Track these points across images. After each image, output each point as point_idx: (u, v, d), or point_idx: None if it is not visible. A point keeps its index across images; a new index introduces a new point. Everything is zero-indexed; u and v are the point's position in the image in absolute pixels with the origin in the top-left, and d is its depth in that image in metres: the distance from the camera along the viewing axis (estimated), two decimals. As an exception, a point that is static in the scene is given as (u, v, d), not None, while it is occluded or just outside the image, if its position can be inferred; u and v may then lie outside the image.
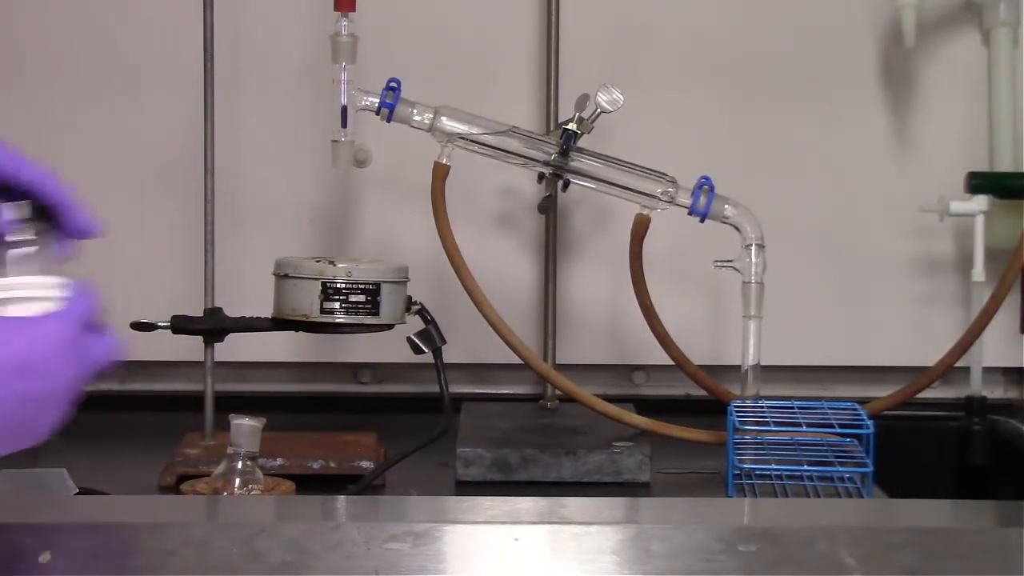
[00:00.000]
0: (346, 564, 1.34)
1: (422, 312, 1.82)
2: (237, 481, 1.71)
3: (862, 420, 1.76)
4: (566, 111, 1.92)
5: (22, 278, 1.21)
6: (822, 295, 2.23)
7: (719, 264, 1.88)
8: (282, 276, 1.79)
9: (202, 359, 1.93)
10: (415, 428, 1.82)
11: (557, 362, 2.12)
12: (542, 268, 2.16)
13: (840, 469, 1.76)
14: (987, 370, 2.17)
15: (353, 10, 1.85)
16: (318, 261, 1.78)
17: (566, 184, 1.89)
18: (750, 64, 2.21)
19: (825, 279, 2.23)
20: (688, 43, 2.20)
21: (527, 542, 1.37)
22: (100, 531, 1.36)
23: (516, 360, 1.92)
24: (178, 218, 2.17)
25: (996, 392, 2.25)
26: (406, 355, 1.82)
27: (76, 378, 1.18)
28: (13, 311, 1.19)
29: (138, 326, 1.87)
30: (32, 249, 1.23)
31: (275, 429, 1.77)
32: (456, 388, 1.88)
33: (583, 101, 1.86)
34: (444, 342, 1.82)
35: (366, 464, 1.86)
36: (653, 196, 1.87)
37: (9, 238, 1.22)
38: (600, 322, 2.21)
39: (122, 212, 2.20)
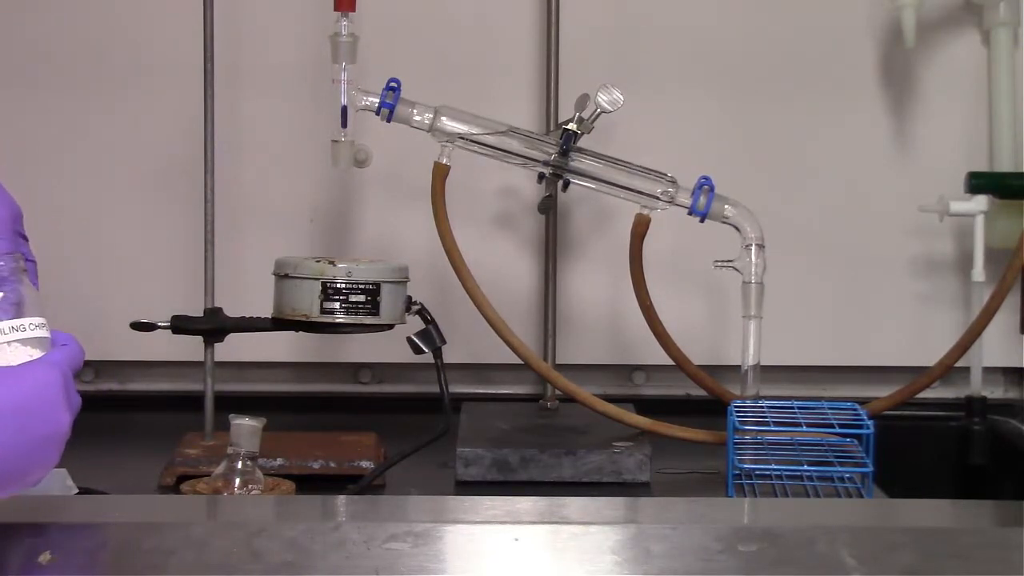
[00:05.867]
0: (346, 564, 1.34)
1: (422, 312, 1.82)
2: (237, 481, 1.71)
3: (862, 420, 1.76)
4: (566, 111, 1.92)
5: (13, 321, 1.21)
6: (822, 295, 2.23)
7: (719, 264, 1.89)
8: (282, 276, 1.79)
9: (202, 359, 1.93)
10: (415, 428, 1.82)
11: (557, 362, 2.12)
12: (542, 268, 2.16)
13: (840, 469, 1.76)
14: (987, 370, 2.17)
15: (353, 10, 1.85)
16: (318, 261, 1.78)
17: (566, 184, 1.89)
18: (750, 64, 2.21)
19: (825, 279, 2.23)
20: (688, 43, 2.21)
21: (527, 542, 1.37)
22: (100, 531, 1.36)
23: (516, 360, 1.92)
24: (178, 218, 2.17)
25: (996, 392, 2.25)
26: (406, 355, 1.82)
27: (68, 425, 1.19)
28: (12, 356, 1.21)
29: (138, 326, 1.87)
30: (16, 290, 1.22)
31: (275, 429, 1.77)
32: (456, 388, 1.88)
33: (583, 101, 1.86)
34: (444, 342, 1.82)
35: (366, 464, 1.86)
36: (653, 196, 1.87)
37: None
38: (600, 322, 2.21)
39: (122, 212, 2.20)
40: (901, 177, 2.22)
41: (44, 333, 1.23)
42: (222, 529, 1.37)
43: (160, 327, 1.88)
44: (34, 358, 1.21)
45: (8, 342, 1.20)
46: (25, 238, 1.28)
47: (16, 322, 1.21)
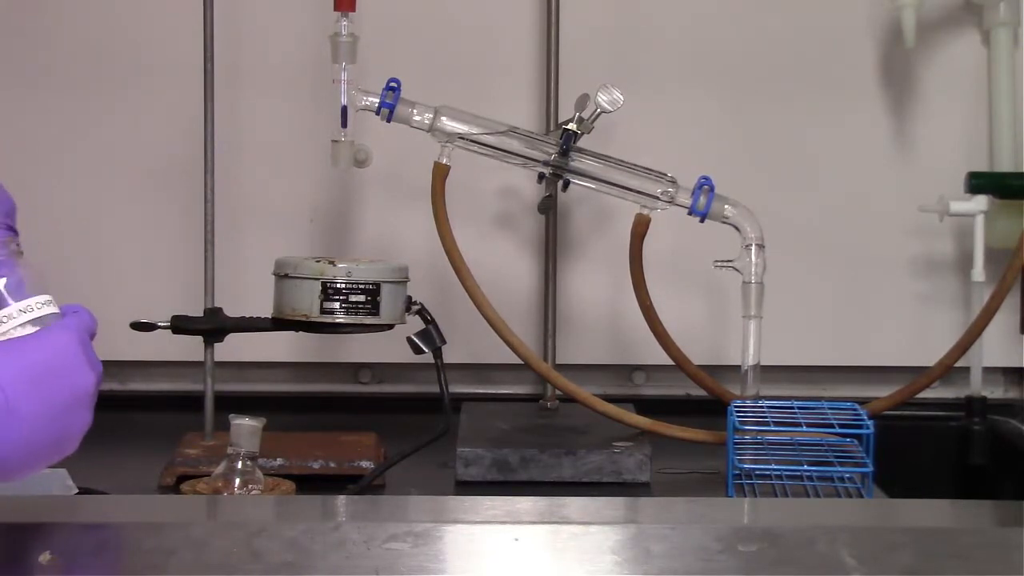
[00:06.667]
0: (346, 564, 1.34)
1: (422, 312, 1.82)
2: (237, 481, 1.71)
3: (862, 420, 1.76)
4: (566, 111, 1.92)
5: (20, 303, 1.22)
6: (822, 295, 2.23)
7: (719, 264, 1.88)
8: (282, 276, 1.79)
9: (202, 359, 1.93)
10: (415, 428, 1.82)
11: (557, 362, 2.12)
12: (542, 268, 2.16)
13: (840, 469, 1.76)
14: (987, 370, 2.17)
15: (353, 10, 1.85)
16: (318, 261, 1.78)
17: (566, 184, 1.89)
18: (750, 64, 2.21)
19: (825, 279, 2.23)
20: (688, 43, 2.20)
21: (527, 542, 1.37)
22: (100, 531, 1.36)
23: (516, 360, 1.92)
24: (178, 218, 2.17)
25: (996, 392, 2.25)
26: (406, 355, 1.82)
27: (94, 383, 1.20)
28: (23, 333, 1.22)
29: (138, 326, 1.87)
30: (16, 272, 1.23)
31: (275, 429, 1.77)
32: (456, 388, 1.88)
33: (583, 101, 1.86)
34: (444, 342, 1.82)
35: (366, 464, 1.86)
36: (653, 196, 1.87)
37: None
38: (600, 322, 2.21)
39: (122, 212, 2.20)
40: (901, 177, 2.22)
41: (53, 309, 1.24)
42: (222, 529, 1.37)
43: (160, 327, 1.88)
44: None
45: (20, 324, 1.21)
46: (15, 231, 1.28)
47: (24, 303, 1.22)
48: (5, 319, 1.22)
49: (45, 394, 1.17)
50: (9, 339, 1.20)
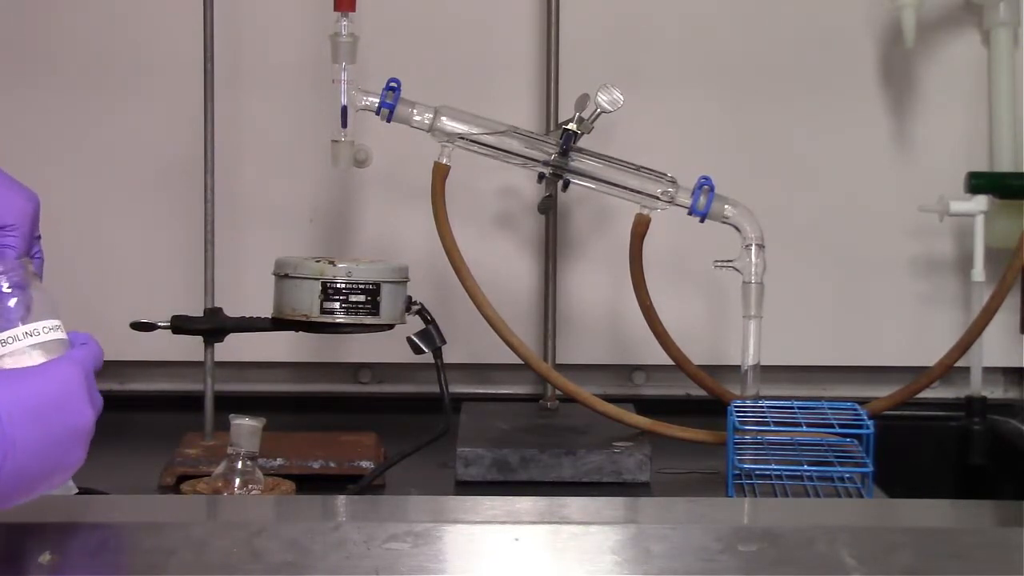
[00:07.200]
0: (346, 564, 1.34)
1: (422, 312, 1.82)
2: (237, 481, 1.71)
3: (862, 420, 1.76)
4: (566, 111, 1.92)
5: (27, 326, 1.22)
6: (822, 295, 2.23)
7: (719, 264, 1.88)
8: (282, 276, 1.79)
9: (202, 359, 1.93)
10: (415, 428, 1.82)
11: (557, 362, 2.12)
12: (542, 268, 2.16)
13: (840, 469, 1.76)
14: (987, 370, 2.17)
15: (353, 10, 1.85)
16: (318, 261, 1.78)
17: (566, 184, 1.89)
18: (750, 64, 2.21)
19: (825, 279, 2.23)
20: (688, 43, 2.21)
21: (527, 542, 1.37)
22: (100, 531, 1.36)
23: (516, 360, 1.92)
24: (178, 218, 2.17)
25: (996, 392, 2.25)
26: (406, 355, 1.82)
27: (92, 421, 1.20)
28: (28, 359, 1.22)
29: (138, 326, 1.87)
30: (27, 295, 1.23)
31: (275, 429, 1.77)
32: (456, 388, 1.88)
33: (583, 101, 1.86)
34: (444, 342, 1.82)
35: (366, 464, 1.86)
36: (653, 196, 1.87)
37: (4, 289, 1.23)
38: (600, 322, 2.21)
39: (122, 212, 2.20)
40: (901, 177, 2.22)
41: (60, 335, 1.23)
42: (222, 529, 1.37)
43: (160, 327, 1.88)
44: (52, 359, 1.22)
45: (26, 347, 1.21)
46: (38, 236, 1.29)
47: (30, 327, 1.22)
48: (10, 340, 1.21)
49: (43, 427, 1.17)
50: (15, 368, 1.20)
